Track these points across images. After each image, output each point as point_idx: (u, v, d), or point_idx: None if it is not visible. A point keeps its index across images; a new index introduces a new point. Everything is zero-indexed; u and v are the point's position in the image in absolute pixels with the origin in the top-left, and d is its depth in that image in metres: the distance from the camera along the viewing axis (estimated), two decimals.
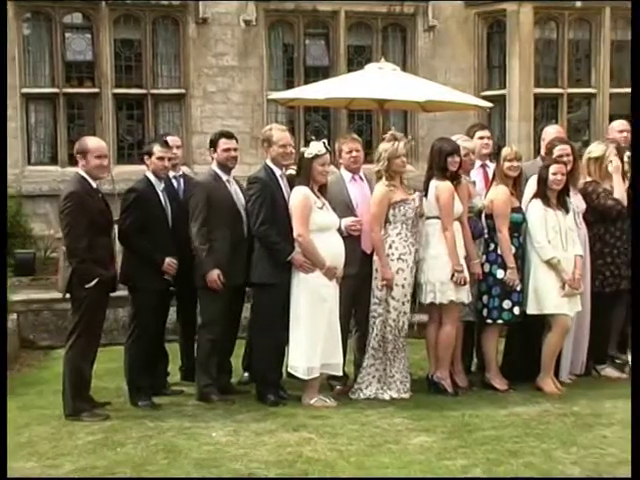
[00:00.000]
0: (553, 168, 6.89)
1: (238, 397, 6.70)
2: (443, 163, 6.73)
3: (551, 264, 6.80)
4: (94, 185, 6.29)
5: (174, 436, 5.72)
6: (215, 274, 6.47)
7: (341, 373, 6.65)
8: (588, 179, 7.30)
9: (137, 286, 6.56)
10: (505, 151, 7.01)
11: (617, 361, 7.65)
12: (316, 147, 6.50)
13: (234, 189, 6.75)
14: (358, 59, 12.18)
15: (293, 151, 6.77)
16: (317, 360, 6.38)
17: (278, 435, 5.68)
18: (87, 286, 6.06)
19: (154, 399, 6.56)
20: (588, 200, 7.20)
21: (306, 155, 6.50)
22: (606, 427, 5.81)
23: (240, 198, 6.71)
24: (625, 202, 7.17)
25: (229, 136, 6.85)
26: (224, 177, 6.74)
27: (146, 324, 6.52)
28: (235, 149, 6.82)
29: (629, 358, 7.51)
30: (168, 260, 6.51)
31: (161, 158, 6.67)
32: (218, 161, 6.77)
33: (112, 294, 6.42)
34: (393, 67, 9.22)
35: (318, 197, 6.49)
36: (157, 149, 6.69)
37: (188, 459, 5.24)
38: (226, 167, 6.76)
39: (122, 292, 6.66)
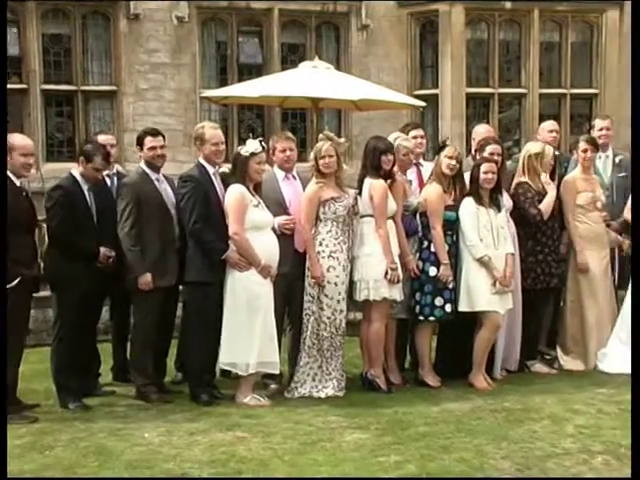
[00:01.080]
0: (484, 167, 6.97)
1: (171, 397, 6.64)
2: (377, 162, 6.77)
3: (482, 262, 6.88)
4: (18, 183, 6.16)
5: (105, 437, 5.64)
6: (147, 277, 6.40)
7: (278, 371, 6.64)
8: (522, 179, 7.38)
9: (60, 285, 6.44)
10: (448, 149, 7.06)
11: (546, 357, 7.78)
12: (253, 145, 6.48)
13: (164, 188, 6.68)
14: (292, 57, 12.14)
15: (224, 149, 6.74)
16: (254, 357, 6.37)
17: (211, 435, 5.64)
18: (8, 286, 5.92)
19: (85, 400, 6.46)
20: (515, 201, 7.30)
21: (242, 153, 6.48)
22: (536, 422, 5.89)
23: (170, 197, 6.64)
24: (547, 214, 7.28)
25: (155, 134, 6.76)
26: (153, 176, 6.66)
27: (70, 324, 6.40)
28: (162, 147, 6.74)
29: (558, 354, 7.66)
30: (103, 250, 6.41)
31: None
32: (145, 160, 6.70)
33: (41, 294, 6.30)
34: (327, 66, 9.23)
35: (253, 195, 6.47)
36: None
37: (120, 461, 5.17)
38: (154, 166, 6.68)
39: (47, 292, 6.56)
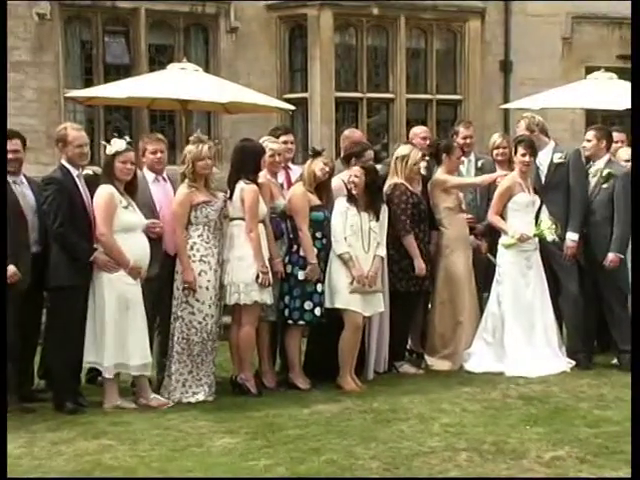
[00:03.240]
0: (351, 171, 7.05)
1: (34, 406, 6.42)
2: (252, 165, 6.75)
3: (343, 259, 6.93)
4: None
5: None
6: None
7: (149, 373, 6.53)
8: (396, 180, 7.47)
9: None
10: (323, 157, 7.08)
11: (414, 357, 7.93)
12: (117, 144, 6.37)
13: (21, 191, 6.44)
14: (160, 58, 12.00)
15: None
16: (123, 359, 6.27)
17: (76, 444, 5.48)
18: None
19: None
20: (390, 204, 7.38)
21: (107, 152, 6.36)
22: (403, 422, 5.98)
23: (29, 200, 6.42)
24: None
25: (9, 136, 6.51)
26: (10, 179, 6.40)
27: None
28: (16, 151, 6.47)
29: (426, 355, 7.81)
30: None
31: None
32: None
33: None
34: (196, 67, 9.17)
35: (123, 196, 6.34)
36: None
37: None
38: (9, 170, 6.42)
39: None
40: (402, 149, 7.61)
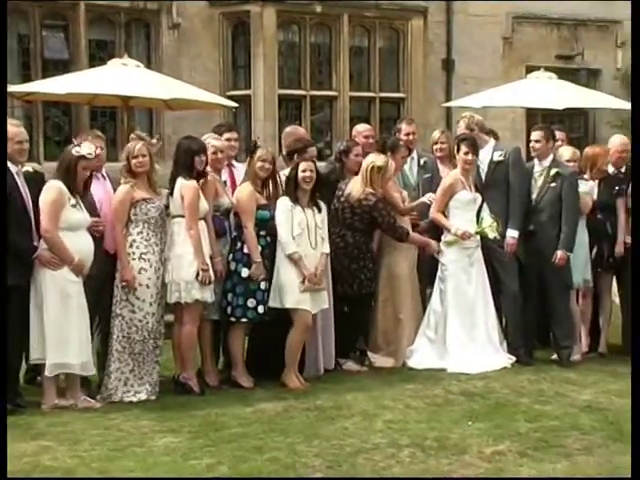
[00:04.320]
0: (302, 166, 7.03)
1: None
2: (189, 162, 6.70)
3: (293, 259, 6.93)
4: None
5: None
6: None
7: (91, 372, 6.46)
8: (371, 190, 7.39)
9: None
10: (260, 151, 7.06)
11: (357, 354, 7.94)
12: (87, 148, 6.31)
13: None
14: (100, 54, 11.85)
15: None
16: (66, 358, 6.18)
17: (14, 446, 5.35)
18: None
19: None
20: (372, 215, 7.35)
21: (74, 152, 6.27)
22: (347, 419, 5.99)
23: None
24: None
25: None
26: None
27: None
28: None
29: (369, 352, 7.83)
30: None
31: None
32: None
33: None
34: (137, 64, 9.06)
35: (73, 194, 6.25)
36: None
37: None
38: None
39: None
40: (378, 159, 7.47)
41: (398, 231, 7.51)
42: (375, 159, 7.46)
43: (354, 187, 7.45)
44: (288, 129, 8.48)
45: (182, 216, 6.66)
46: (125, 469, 4.99)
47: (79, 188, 6.33)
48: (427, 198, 7.78)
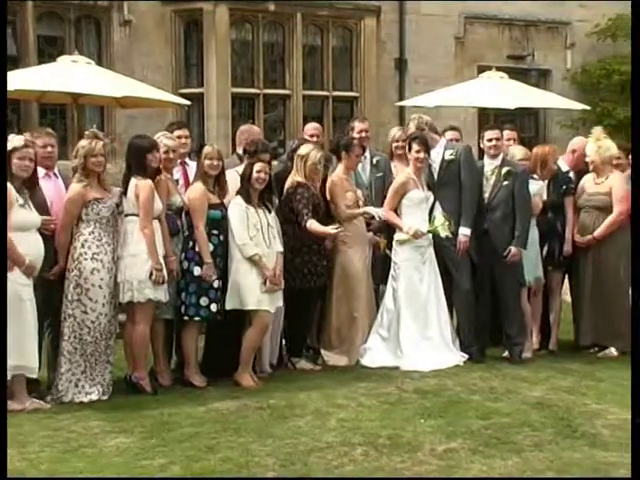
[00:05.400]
0: (257, 166, 7.01)
1: None
2: (142, 160, 6.65)
3: (253, 260, 6.91)
4: None
5: None
6: None
7: (36, 375, 6.35)
8: (298, 178, 7.44)
9: None
10: (207, 149, 7.04)
11: (310, 353, 7.95)
12: (15, 140, 6.20)
13: None
14: (50, 50, 11.70)
15: None
16: (23, 360, 6.09)
17: None
18: None
19: None
20: (290, 200, 7.35)
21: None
22: (300, 417, 5.98)
23: None
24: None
25: None
26: None
27: None
28: None
29: (322, 350, 7.84)
30: None
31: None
32: None
33: None
34: (88, 61, 8.96)
35: (20, 194, 6.15)
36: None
37: None
38: None
39: None
40: (303, 148, 7.56)
41: (298, 218, 7.33)
42: (301, 148, 7.53)
43: (289, 180, 7.47)
44: (243, 127, 8.45)
45: (136, 215, 6.60)
46: (75, 470, 4.93)
47: (19, 183, 6.20)
48: (376, 213, 7.75)
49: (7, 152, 6.15)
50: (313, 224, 7.27)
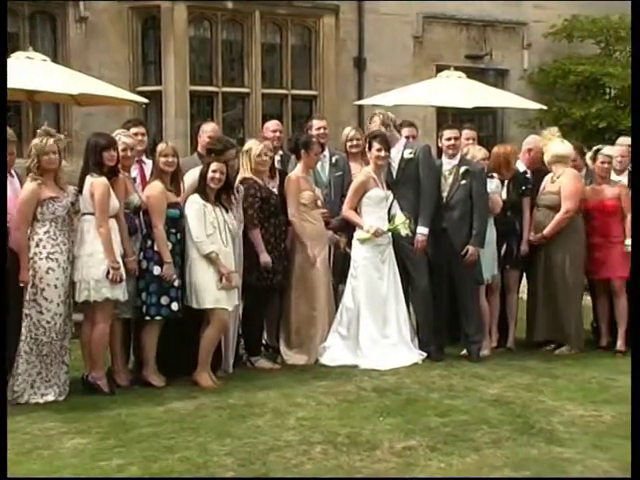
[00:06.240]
0: (213, 166, 6.97)
1: None
2: (99, 158, 6.59)
3: (210, 258, 6.88)
4: None
5: None
6: None
7: None
8: (244, 174, 7.45)
9: None
10: (160, 147, 7.01)
11: (270, 352, 7.94)
12: None
13: None
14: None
15: None
16: None
17: None
18: None
19: None
20: (242, 199, 7.34)
21: None
22: (259, 417, 5.97)
23: None
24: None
25: None
26: None
27: None
28: None
29: (282, 349, 7.83)
30: None
31: None
32: None
33: None
34: (43, 57, 8.86)
35: None
36: None
37: None
38: None
39: None
40: (247, 143, 7.61)
41: (245, 220, 7.34)
42: (247, 144, 7.57)
43: (238, 177, 7.48)
44: (204, 126, 8.39)
45: (92, 214, 6.54)
46: (30, 472, 4.88)
47: None
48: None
49: None
50: (256, 234, 7.35)
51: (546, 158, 8.26)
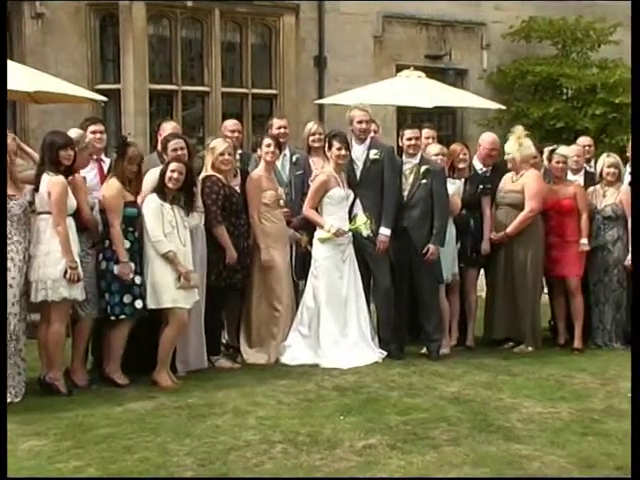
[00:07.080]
0: (172, 166, 6.93)
1: None
2: (55, 157, 6.52)
3: (167, 257, 6.83)
4: None
5: None
6: None
7: None
8: (207, 172, 7.42)
9: None
10: (130, 152, 6.90)
11: (230, 351, 7.91)
12: None
13: None
14: None
15: None
16: None
17: None
18: None
19: None
20: (201, 195, 7.30)
21: None
22: (219, 416, 5.94)
23: None
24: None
25: None
26: None
27: None
28: None
29: (242, 348, 7.80)
30: None
31: None
32: None
33: None
34: None
35: None
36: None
37: None
38: None
39: None
40: (213, 142, 7.59)
41: (209, 217, 7.33)
42: (211, 142, 7.59)
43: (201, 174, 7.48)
44: (164, 125, 8.33)
45: (48, 213, 6.47)
46: None
47: None
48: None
49: None
50: (221, 230, 7.35)
51: (515, 156, 8.23)
